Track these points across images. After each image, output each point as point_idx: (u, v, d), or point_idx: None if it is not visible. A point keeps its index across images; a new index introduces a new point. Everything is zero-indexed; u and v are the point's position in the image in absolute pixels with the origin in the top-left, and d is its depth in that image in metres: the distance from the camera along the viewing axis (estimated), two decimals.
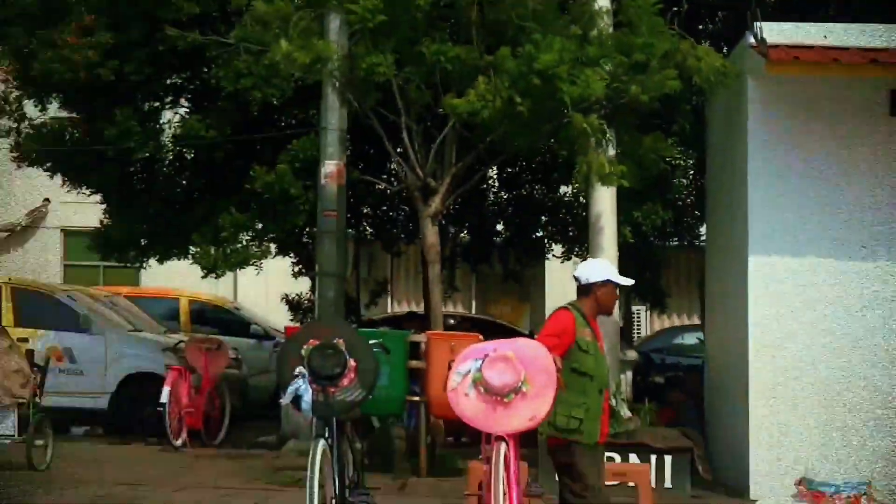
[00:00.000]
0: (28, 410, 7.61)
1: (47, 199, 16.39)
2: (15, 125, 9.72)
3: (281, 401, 4.49)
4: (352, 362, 3.68)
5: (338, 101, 7.41)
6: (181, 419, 9.07)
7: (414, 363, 7.07)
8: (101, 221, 10.13)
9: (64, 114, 9.87)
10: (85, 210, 11.67)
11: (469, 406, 3.29)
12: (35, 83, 9.09)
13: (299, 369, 3.64)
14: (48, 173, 9.98)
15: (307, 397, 3.64)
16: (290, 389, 3.68)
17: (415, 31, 6.68)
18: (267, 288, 12.48)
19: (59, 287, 11.31)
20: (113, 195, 9.60)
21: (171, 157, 9.55)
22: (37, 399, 7.69)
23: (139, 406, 9.70)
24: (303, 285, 11.03)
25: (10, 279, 10.94)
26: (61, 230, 17.19)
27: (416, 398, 7.11)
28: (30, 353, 7.84)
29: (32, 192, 16.14)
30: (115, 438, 9.65)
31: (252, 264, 9.18)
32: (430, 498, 6.41)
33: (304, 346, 3.66)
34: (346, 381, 3.63)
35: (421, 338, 7.29)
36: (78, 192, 10.03)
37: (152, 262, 10.33)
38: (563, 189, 10.17)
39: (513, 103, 6.14)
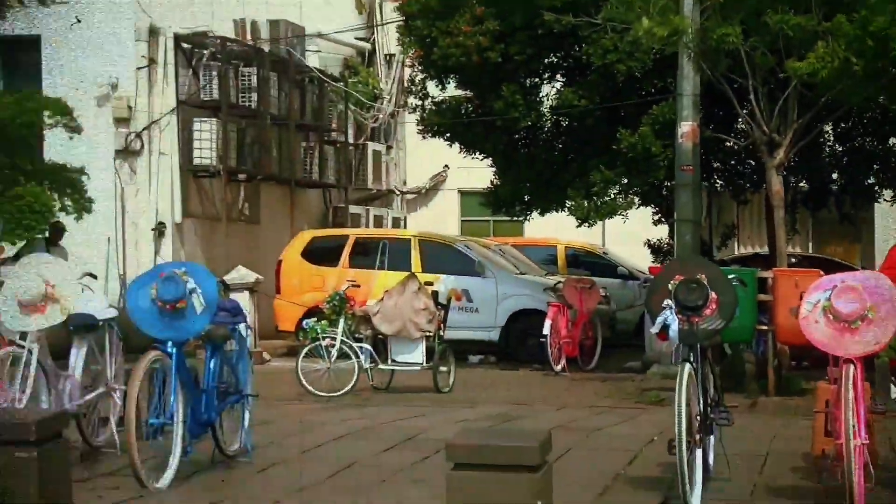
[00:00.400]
0: (433, 342, 8.37)
1: (447, 166, 16.95)
2: (420, 103, 10.84)
3: (650, 330, 4.80)
4: (713, 295, 3.83)
5: (692, 70, 8.07)
6: (560, 348, 9.76)
7: (762, 297, 7.43)
8: (492, 182, 11.03)
9: (459, 92, 10.71)
10: (477, 173, 12.52)
11: (819, 332, 3.49)
12: (435, 66, 10.14)
13: (667, 302, 3.82)
14: (447, 143, 10.96)
15: (674, 326, 3.80)
16: (659, 320, 3.85)
17: (760, 4, 7.14)
18: (631, 234, 13.33)
19: (458, 238, 12.67)
20: (501, 159, 10.56)
21: (549, 125, 10.43)
22: (440, 332, 8.39)
23: (525, 337, 10.59)
24: (662, 231, 11.62)
25: (417, 233, 12.26)
26: (458, 191, 18.10)
27: (765, 327, 7.49)
28: (434, 294, 8.74)
29: (434, 160, 16.66)
30: (505, 365, 10.51)
31: (619, 214, 9.99)
32: (778, 415, 6.67)
33: (671, 282, 3.85)
34: (708, 312, 3.78)
35: (768, 274, 7.67)
36: (472, 158, 10.97)
37: (534, 215, 11.12)
38: (892, 140, 10.29)
39: (849, 63, 6.49)
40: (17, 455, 3.43)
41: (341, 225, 13.99)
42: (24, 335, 4.86)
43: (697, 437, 3.69)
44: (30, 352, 4.77)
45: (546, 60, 10.22)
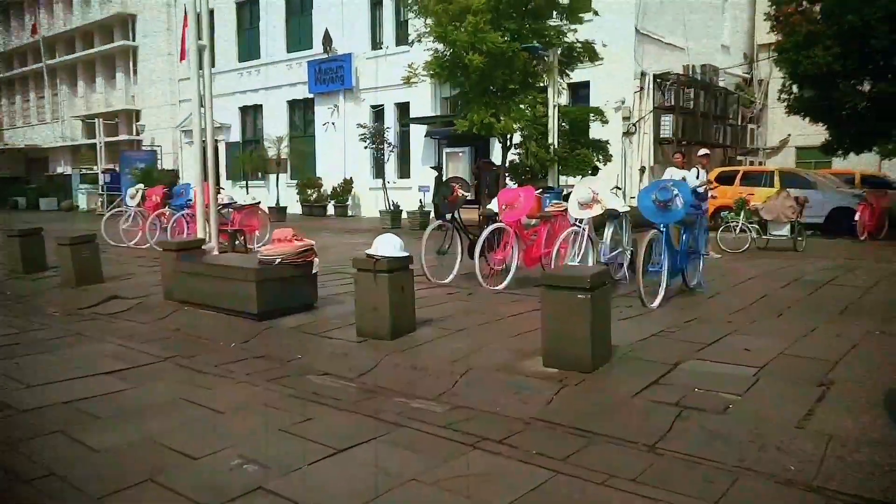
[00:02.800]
0: (795, 224, 13.13)
1: (789, 134, 25.43)
2: (787, 97, 17.82)
3: None
4: None
5: None
6: (864, 227, 14.51)
7: None
8: (826, 140, 18.11)
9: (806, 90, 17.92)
10: (803, 139, 21.61)
11: None
12: (798, 76, 16.86)
13: None
14: (803, 118, 18.83)
15: None
16: None
17: None
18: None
19: (799, 170, 19.21)
20: (834, 125, 17.57)
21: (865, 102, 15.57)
22: (797, 218, 13.10)
23: (840, 222, 16.09)
24: None
25: (778, 167, 19.53)
26: (794, 147, 26.04)
27: None
28: (795, 199, 13.53)
29: (781, 132, 25.58)
30: (825, 237, 15.83)
31: None
32: None
33: None
34: None
35: None
36: (812, 126, 19.14)
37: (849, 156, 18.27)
38: None
39: None
40: (578, 297, 4.83)
41: (731, 165, 23.55)
42: (580, 221, 8.28)
43: None
44: (584, 230, 8.30)
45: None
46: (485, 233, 8.90)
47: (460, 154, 21.37)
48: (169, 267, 7.93)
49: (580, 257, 8.43)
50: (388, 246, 6.12)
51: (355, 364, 5.63)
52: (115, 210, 15.09)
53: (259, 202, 14.61)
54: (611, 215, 8.61)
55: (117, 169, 30.57)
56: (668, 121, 21.28)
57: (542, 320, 5.21)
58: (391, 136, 24.16)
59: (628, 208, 9.21)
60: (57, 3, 40.51)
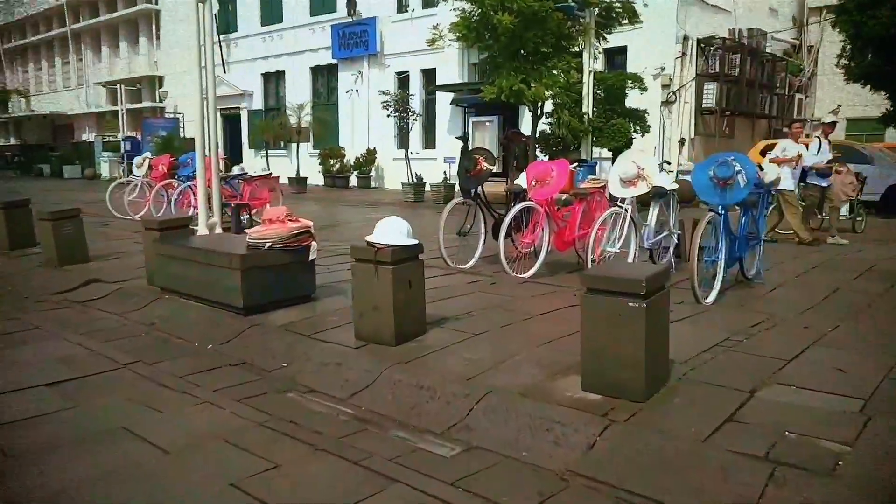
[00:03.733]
0: (854, 202, 12.15)
1: (839, 105, 23.35)
2: (846, 62, 16.92)
3: None
4: None
5: None
6: None
7: None
8: (887, 110, 16.95)
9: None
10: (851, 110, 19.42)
11: None
12: (860, 39, 15.61)
13: None
14: (863, 86, 17.16)
15: None
16: None
17: None
18: None
19: (855, 143, 17.17)
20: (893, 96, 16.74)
21: None
22: (857, 197, 11.89)
23: None
24: None
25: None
26: (845, 118, 23.85)
27: None
28: (856, 175, 12.00)
29: (832, 102, 23.76)
30: (883, 215, 14.66)
31: None
32: None
33: None
34: None
35: None
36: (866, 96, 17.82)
37: None
38: None
39: None
40: (629, 305, 3.72)
41: (776, 138, 21.87)
42: (622, 200, 7.02)
43: None
44: (626, 211, 7.00)
45: None
46: (511, 212, 7.71)
47: (487, 124, 20.03)
48: (150, 249, 6.87)
49: (621, 242, 7.22)
50: (392, 232, 4.98)
51: (349, 378, 4.53)
52: (121, 180, 14.10)
53: (271, 172, 13.53)
54: (657, 193, 7.42)
55: (139, 137, 29.75)
56: (711, 89, 19.71)
57: (581, 332, 4.05)
58: (416, 103, 22.87)
59: (676, 185, 7.97)
60: None
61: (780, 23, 23.83)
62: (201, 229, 9.21)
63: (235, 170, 13.51)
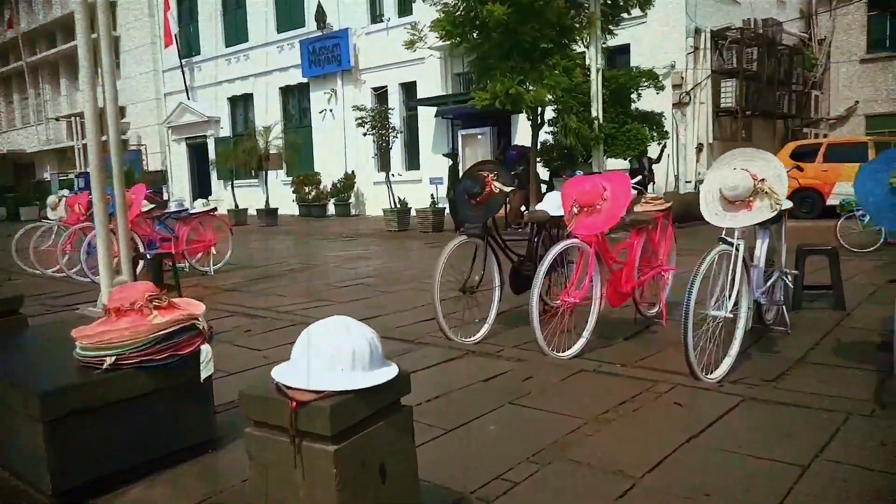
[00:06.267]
0: None
1: (857, 101, 21.30)
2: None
3: None
4: None
5: None
6: None
7: None
8: None
9: None
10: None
11: None
12: None
13: None
14: None
15: None
16: None
17: None
18: None
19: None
20: None
21: None
22: None
23: None
24: None
25: (873, 138, 15.70)
26: (864, 115, 21.49)
27: None
28: None
29: (845, 100, 21.50)
30: None
31: None
32: None
33: None
34: None
35: None
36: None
37: None
38: None
39: None
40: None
41: (794, 139, 19.01)
42: (728, 234, 4.09)
43: None
44: (737, 250, 4.03)
45: None
46: (551, 254, 4.79)
47: (479, 137, 17.19)
48: None
49: (732, 300, 4.28)
50: (336, 357, 2.02)
51: None
52: (32, 225, 11.09)
53: (215, 208, 10.61)
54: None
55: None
56: (730, 86, 16.98)
57: None
58: (396, 120, 20.01)
59: (790, 204, 5.07)
60: None
61: (787, 13, 21.12)
62: (102, 297, 6.47)
63: (172, 206, 10.55)
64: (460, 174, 11.33)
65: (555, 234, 6.00)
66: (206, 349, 3.23)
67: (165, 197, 26.75)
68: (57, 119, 33.00)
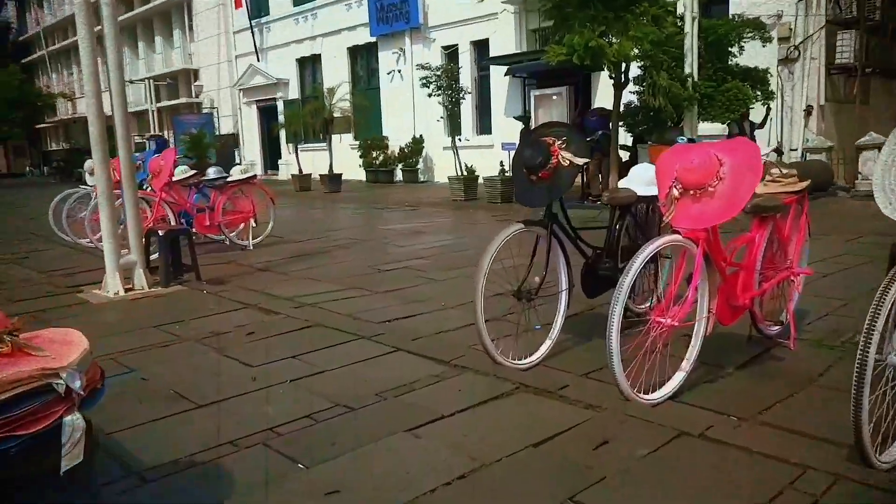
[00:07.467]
0: None
1: None
2: None
3: None
4: None
5: None
6: None
7: None
8: None
9: None
10: None
11: None
12: None
13: None
14: None
15: None
16: None
17: None
18: None
19: None
20: None
21: None
22: None
23: None
24: None
25: None
26: None
27: None
28: None
29: None
30: None
31: None
32: None
33: None
34: None
35: None
36: None
37: None
38: None
39: None
40: None
41: None
42: None
43: None
44: None
45: None
46: (639, 259, 3.29)
47: (555, 97, 15.49)
48: None
49: None
50: None
51: None
52: (69, 191, 10.26)
53: (255, 175, 9.50)
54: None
55: (167, 135, 26.43)
56: (847, 39, 14.58)
57: None
58: (466, 80, 18.46)
59: None
60: None
61: None
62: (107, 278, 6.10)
63: (211, 172, 9.51)
64: None
65: (642, 219, 4.50)
66: (70, 423, 1.96)
67: (238, 161, 26.22)
68: (132, 82, 32.87)
